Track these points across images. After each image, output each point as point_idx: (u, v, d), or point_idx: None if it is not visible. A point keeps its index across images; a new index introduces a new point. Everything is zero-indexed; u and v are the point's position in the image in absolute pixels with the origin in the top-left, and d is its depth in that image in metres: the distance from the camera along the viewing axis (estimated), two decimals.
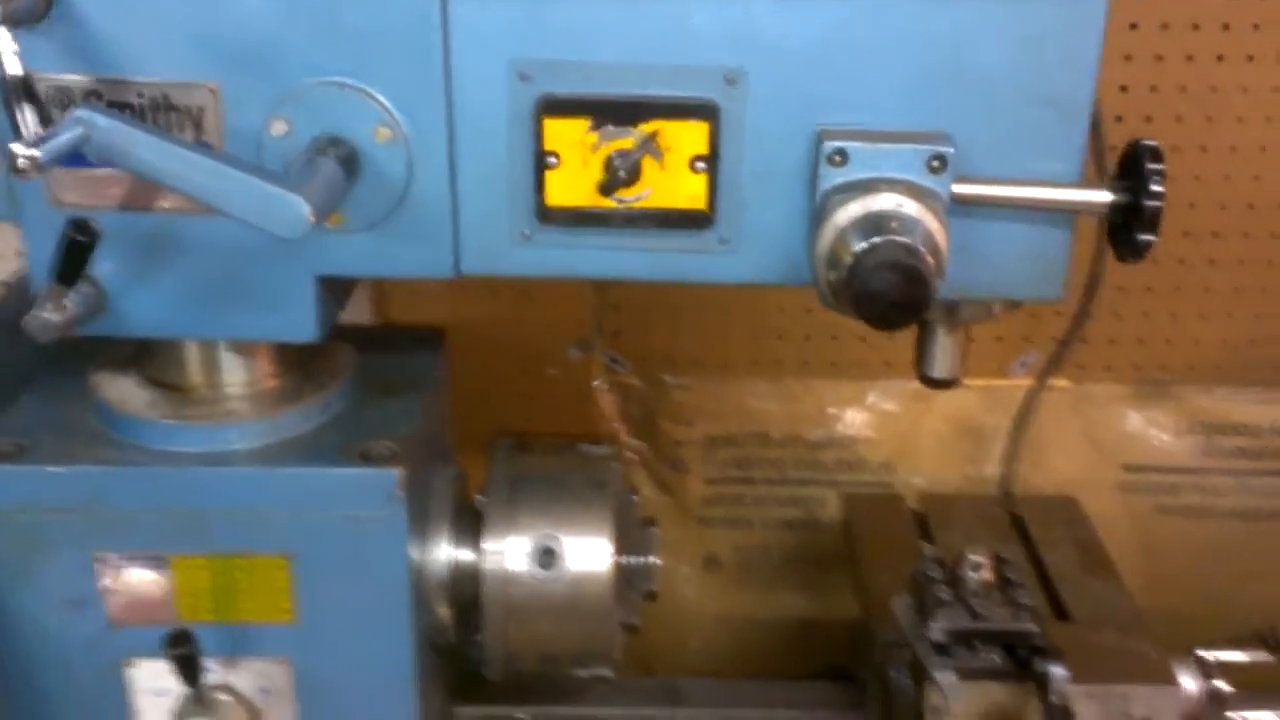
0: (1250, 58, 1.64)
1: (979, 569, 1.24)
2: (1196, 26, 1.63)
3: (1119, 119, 1.68)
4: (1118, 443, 1.86)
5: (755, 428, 1.85)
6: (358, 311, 1.71)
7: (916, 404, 1.84)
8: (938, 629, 1.22)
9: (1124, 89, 1.66)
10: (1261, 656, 1.32)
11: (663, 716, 1.46)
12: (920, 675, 1.25)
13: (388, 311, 1.73)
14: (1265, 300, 1.77)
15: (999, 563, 1.28)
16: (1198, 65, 1.65)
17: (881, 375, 1.81)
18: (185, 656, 1.14)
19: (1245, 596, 1.85)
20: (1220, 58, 1.65)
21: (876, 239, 0.99)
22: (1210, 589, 1.87)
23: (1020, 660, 1.23)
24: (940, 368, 1.20)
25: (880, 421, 1.85)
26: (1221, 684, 1.26)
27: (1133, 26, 1.63)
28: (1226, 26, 1.63)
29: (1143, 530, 1.88)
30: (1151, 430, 1.86)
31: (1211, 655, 1.30)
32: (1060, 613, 1.45)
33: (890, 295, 0.97)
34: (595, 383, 1.83)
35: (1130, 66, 1.65)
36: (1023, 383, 1.81)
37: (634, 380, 1.83)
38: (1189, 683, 1.26)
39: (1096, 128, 1.34)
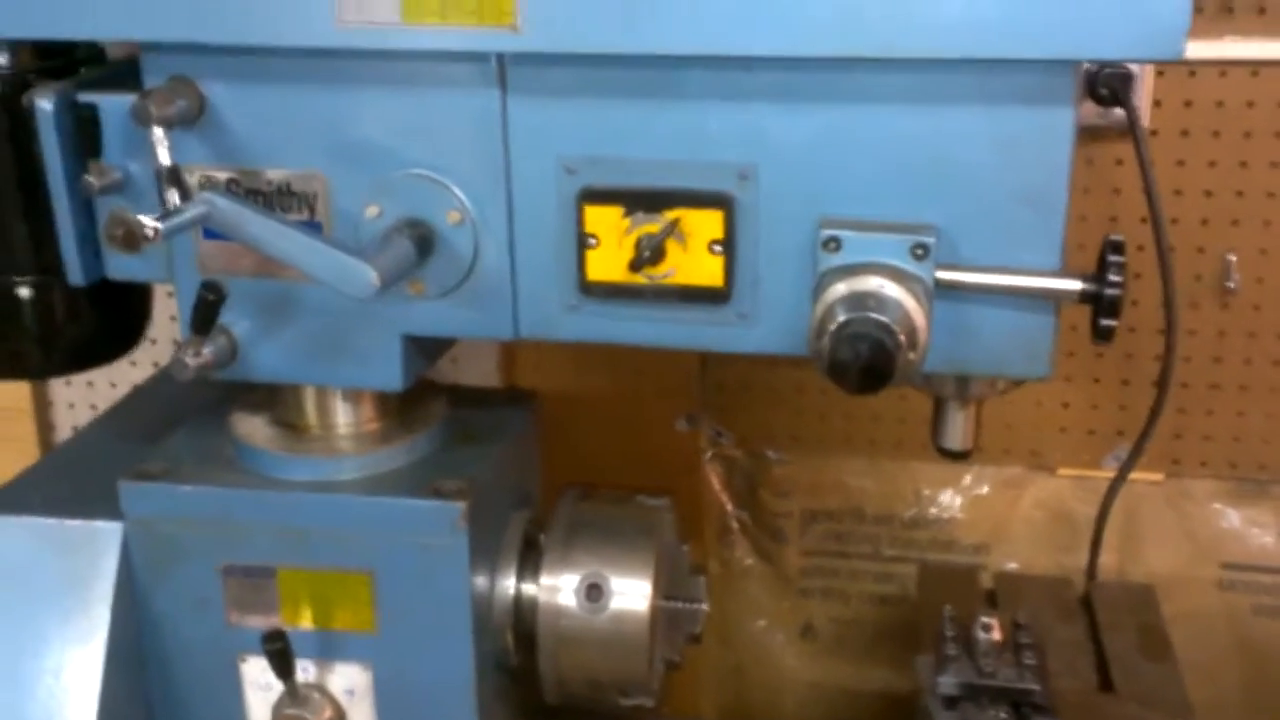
0: None
1: (989, 630, 1.33)
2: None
3: (1204, 222, 1.75)
4: (1216, 540, 1.88)
5: (851, 504, 1.96)
6: (487, 376, 1.94)
7: (1009, 490, 1.92)
8: (944, 683, 1.32)
9: (1209, 194, 1.73)
10: None
11: None
12: None
13: (514, 378, 1.94)
14: None
15: (1015, 628, 1.36)
16: None
17: (974, 460, 1.88)
18: (278, 652, 1.34)
19: None
20: None
21: (853, 314, 1.12)
22: None
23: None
24: (952, 439, 1.32)
25: (973, 504, 1.93)
26: None
27: (1215, 134, 1.71)
28: None
29: (1240, 630, 1.88)
30: (1252, 530, 1.88)
31: None
32: (1108, 690, 1.50)
33: (857, 364, 1.10)
34: (706, 454, 1.99)
35: (1214, 172, 1.72)
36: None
37: (737, 453, 1.98)
38: None
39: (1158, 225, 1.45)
